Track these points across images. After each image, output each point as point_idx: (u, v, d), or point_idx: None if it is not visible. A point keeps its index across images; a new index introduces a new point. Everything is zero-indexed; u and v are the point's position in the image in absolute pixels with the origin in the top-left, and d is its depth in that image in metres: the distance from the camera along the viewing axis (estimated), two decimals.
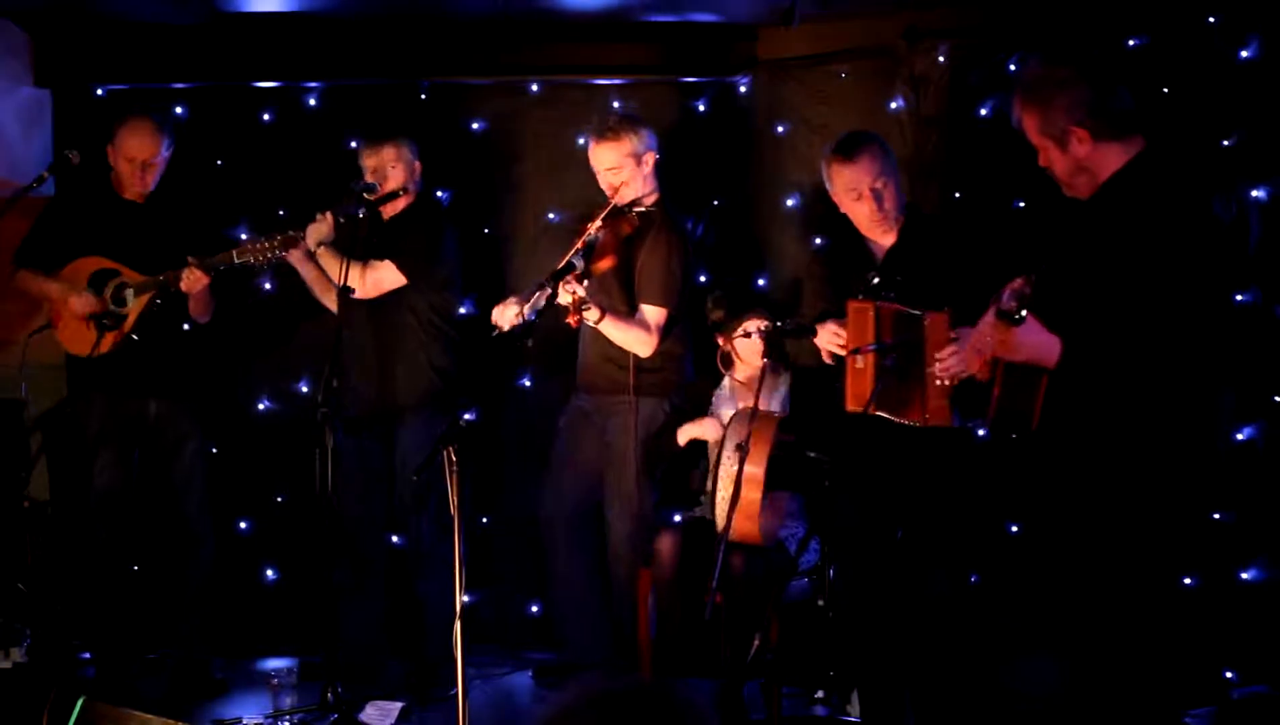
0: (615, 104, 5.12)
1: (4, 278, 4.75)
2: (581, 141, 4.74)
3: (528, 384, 5.20)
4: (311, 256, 4.58)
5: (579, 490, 4.55)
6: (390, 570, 4.81)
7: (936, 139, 4.75)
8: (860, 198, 3.94)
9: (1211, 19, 4.31)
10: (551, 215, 5.17)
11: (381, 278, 4.55)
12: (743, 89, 5.17)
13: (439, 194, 5.16)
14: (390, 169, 4.59)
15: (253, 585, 5.23)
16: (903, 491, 3.87)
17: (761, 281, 5.05)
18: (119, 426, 4.62)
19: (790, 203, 5.02)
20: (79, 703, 3.14)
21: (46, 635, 4.68)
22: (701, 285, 4.93)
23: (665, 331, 4.35)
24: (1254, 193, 4.21)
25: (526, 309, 4.15)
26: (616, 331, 4.26)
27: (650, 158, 4.40)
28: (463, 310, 4.87)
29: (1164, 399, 2.98)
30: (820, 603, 4.13)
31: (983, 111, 4.68)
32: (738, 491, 3.86)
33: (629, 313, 4.32)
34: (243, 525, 5.26)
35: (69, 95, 5.27)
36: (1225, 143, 4.27)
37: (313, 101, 5.28)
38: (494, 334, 4.30)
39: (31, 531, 4.81)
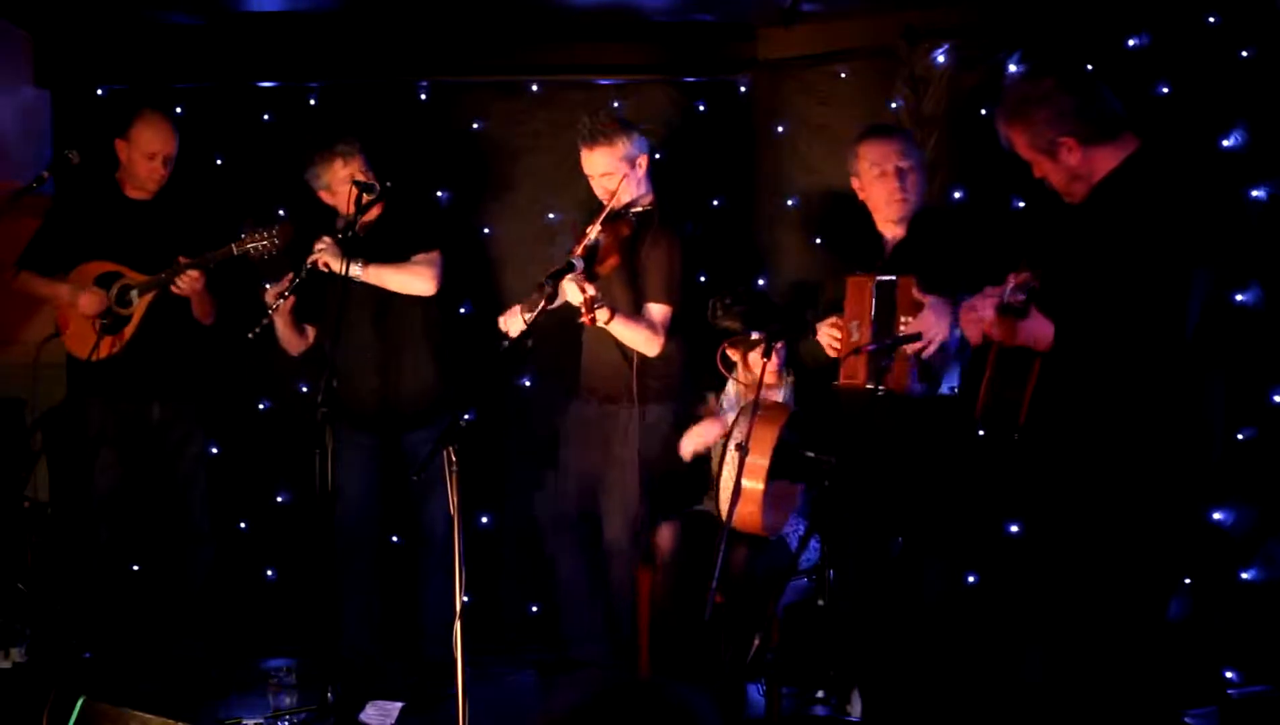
0: (615, 104, 5.12)
1: (5, 278, 4.75)
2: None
3: (528, 384, 5.20)
4: (286, 313, 4.52)
5: (581, 495, 4.54)
6: (390, 570, 4.81)
7: (936, 139, 4.74)
8: (884, 175, 3.98)
9: (1211, 18, 4.30)
10: (551, 215, 5.17)
11: (410, 280, 4.51)
12: (743, 89, 5.17)
13: (439, 194, 5.16)
14: (357, 177, 4.41)
15: (253, 585, 5.23)
16: (901, 491, 3.87)
17: (761, 282, 5.05)
18: (120, 427, 4.62)
19: (790, 203, 5.02)
20: (79, 703, 3.14)
21: (46, 635, 4.68)
22: (702, 285, 4.93)
23: (670, 330, 4.35)
24: (1254, 193, 4.20)
25: (528, 316, 4.14)
26: (626, 330, 4.25)
27: (643, 161, 4.36)
28: (462, 310, 4.87)
29: (1150, 393, 2.98)
30: (820, 603, 4.14)
31: (983, 111, 4.67)
32: (738, 486, 3.86)
33: (634, 312, 4.33)
34: (243, 525, 5.26)
35: (69, 95, 5.27)
36: (1225, 142, 4.27)
37: (313, 101, 5.29)
38: (504, 344, 4.28)
39: (31, 531, 4.81)
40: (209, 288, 4.54)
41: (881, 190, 4.00)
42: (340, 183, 4.48)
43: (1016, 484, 3.96)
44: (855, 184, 4.10)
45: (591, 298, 4.00)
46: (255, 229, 4.45)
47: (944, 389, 3.82)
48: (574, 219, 4.85)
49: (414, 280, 4.51)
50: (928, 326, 3.67)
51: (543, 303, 3.97)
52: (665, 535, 4.28)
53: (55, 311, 4.70)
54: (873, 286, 3.85)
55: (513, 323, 4.28)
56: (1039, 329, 3.00)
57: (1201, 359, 3.03)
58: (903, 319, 3.77)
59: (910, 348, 3.71)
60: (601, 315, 4.07)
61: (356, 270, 4.33)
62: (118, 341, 4.54)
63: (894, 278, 3.84)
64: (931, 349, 3.69)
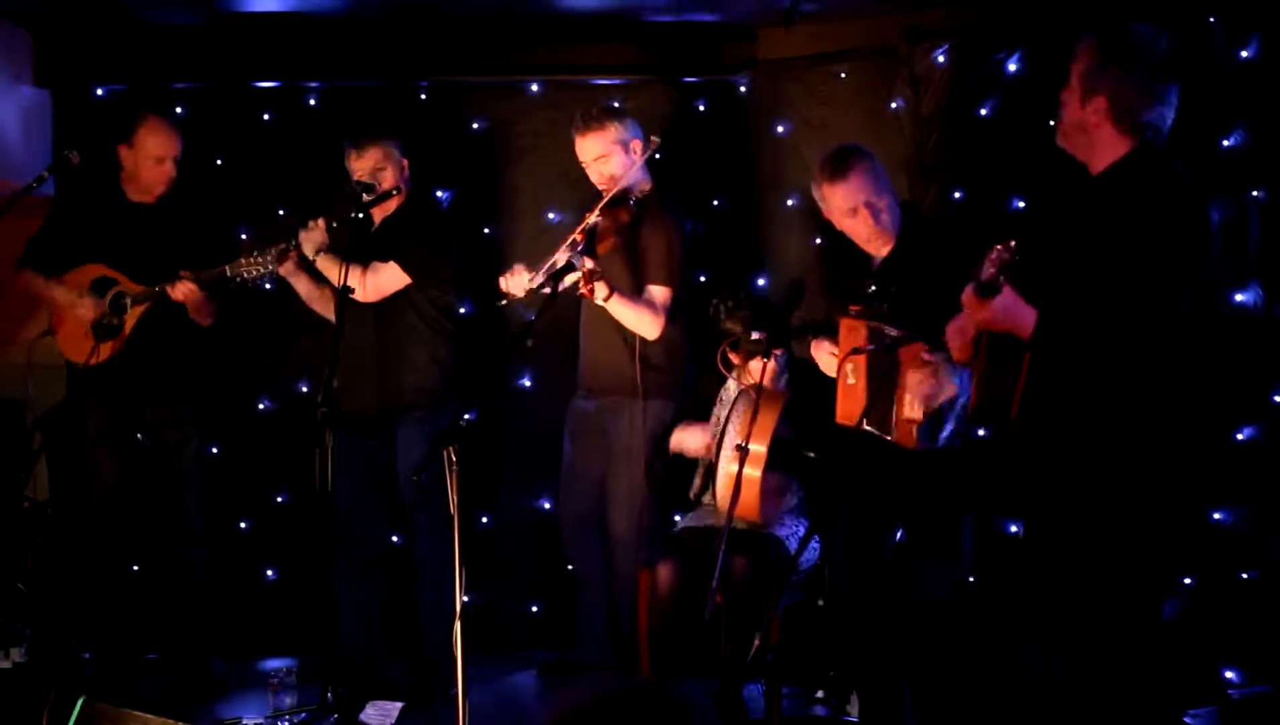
0: (615, 104, 5.11)
1: (3, 279, 4.75)
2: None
3: (528, 384, 5.21)
4: (305, 267, 4.54)
5: (588, 493, 4.54)
6: (390, 570, 4.81)
7: (936, 139, 4.75)
8: (856, 214, 3.92)
9: (1211, 19, 4.31)
10: (551, 215, 5.18)
11: (383, 280, 4.53)
12: (742, 89, 5.18)
13: (439, 194, 5.17)
14: (380, 170, 4.56)
15: (253, 585, 5.23)
16: (898, 492, 3.87)
17: (761, 281, 5.06)
18: (118, 428, 4.61)
19: (790, 203, 5.02)
20: (79, 703, 3.14)
21: (46, 635, 4.68)
22: (702, 285, 4.94)
23: (671, 313, 4.34)
24: (1253, 193, 4.20)
25: (540, 277, 4.11)
26: (625, 310, 4.24)
27: (638, 145, 4.37)
28: (462, 310, 4.87)
29: (1138, 391, 2.97)
30: (820, 603, 4.14)
31: (982, 111, 4.68)
32: (738, 488, 3.86)
33: (635, 295, 4.32)
34: (243, 525, 5.26)
35: (69, 95, 5.28)
36: (1225, 143, 4.27)
37: (313, 101, 5.29)
38: (502, 303, 4.28)
39: (31, 531, 4.81)
40: (207, 291, 4.52)
41: (858, 228, 3.95)
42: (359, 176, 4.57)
43: (1012, 481, 3.96)
44: (826, 216, 4.05)
45: (591, 270, 4.01)
46: (253, 251, 4.42)
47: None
48: (575, 218, 4.85)
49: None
50: (937, 391, 3.61)
51: (545, 300, 3.97)
52: (664, 574, 4.24)
53: (50, 312, 4.70)
54: (866, 332, 3.70)
55: (518, 281, 4.22)
56: (1016, 311, 2.96)
57: (1193, 357, 3.03)
58: (906, 381, 3.68)
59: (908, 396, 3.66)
60: (600, 289, 4.07)
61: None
62: (113, 346, 4.53)
63: (897, 334, 3.68)
64: (936, 404, 3.65)
